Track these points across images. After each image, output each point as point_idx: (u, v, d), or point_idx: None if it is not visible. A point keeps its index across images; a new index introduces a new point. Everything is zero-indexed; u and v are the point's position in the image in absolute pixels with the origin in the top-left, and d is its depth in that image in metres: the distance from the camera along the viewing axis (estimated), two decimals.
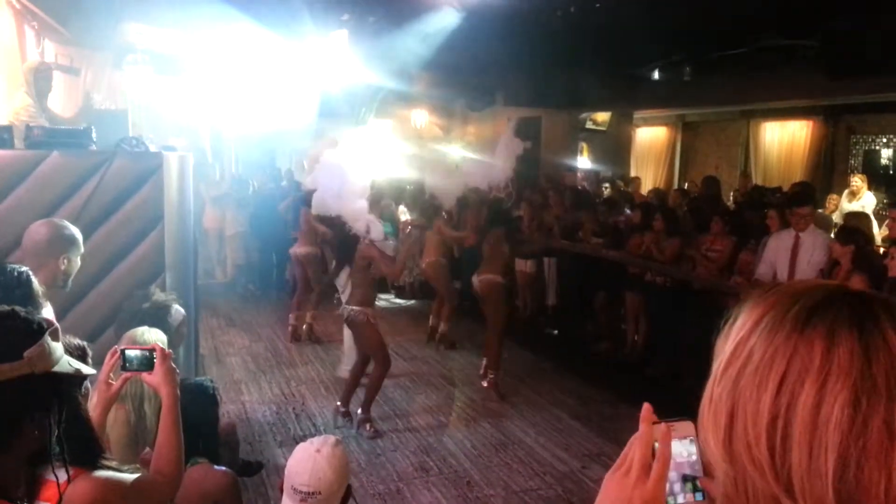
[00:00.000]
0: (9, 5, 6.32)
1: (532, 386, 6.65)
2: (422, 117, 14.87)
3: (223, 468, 3.17)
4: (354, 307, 5.50)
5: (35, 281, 2.68)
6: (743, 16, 6.88)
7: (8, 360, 1.46)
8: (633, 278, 7.49)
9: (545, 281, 9.12)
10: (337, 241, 5.77)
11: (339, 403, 5.74)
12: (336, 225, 5.71)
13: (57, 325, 1.60)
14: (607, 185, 11.24)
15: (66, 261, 3.02)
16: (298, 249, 8.08)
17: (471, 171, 7.15)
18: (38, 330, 1.54)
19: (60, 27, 7.22)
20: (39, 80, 4.78)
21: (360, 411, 5.63)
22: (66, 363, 1.59)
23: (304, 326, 8.03)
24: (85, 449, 1.67)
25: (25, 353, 1.48)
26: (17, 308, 1.59)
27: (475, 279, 6.52)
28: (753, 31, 7.48)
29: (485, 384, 6.46)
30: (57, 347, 1.57)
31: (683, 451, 0.91)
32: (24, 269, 2.68)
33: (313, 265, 8.03)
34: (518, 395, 6.44)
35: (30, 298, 2.55)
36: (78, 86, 7.79)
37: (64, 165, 3.81)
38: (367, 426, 5.52)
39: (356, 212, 5.47)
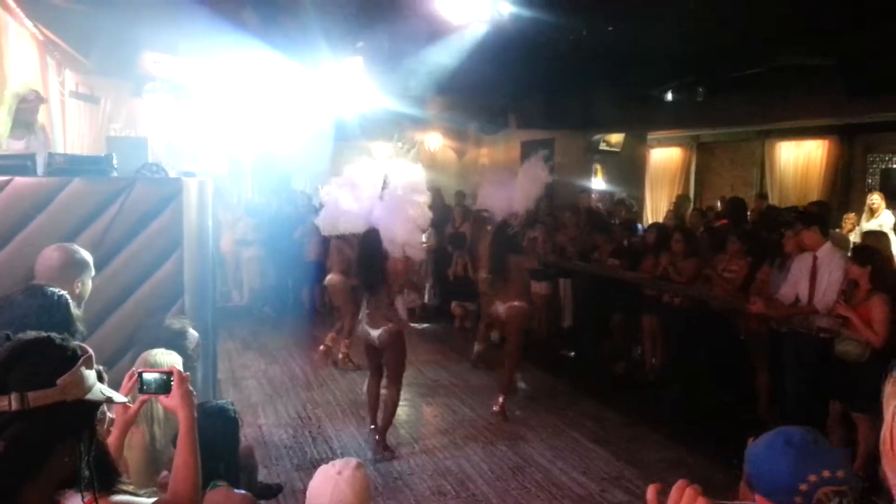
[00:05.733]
0: (32, 37, 6.48)
1: (549, 408, 6.61)
2: (436, 141, 14.97)
3: (242, 491, 3.15)
4: (390, 326, 5.47)
5: (73, 304, 2.67)
6: (757, 35, 6.89)
7: (41, 387, 1.46)
8: (650, 299, 7.47)
9: (560, 302, 9.10)
10: (363, 261, 5.69)
11: (379, 438, 5.67)
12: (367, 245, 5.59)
13: (91, 352, 1.60)
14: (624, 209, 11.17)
15: (80, 284, 3.03)
16: (328, 279, 8.17)
17: (488, 195, 7.06)
18: (72, 357, 1.55)
19: (81, 57, 7.37)
20: (21, 111, 4.62)
21: (377, 437, 5.64)
22: (99, 391, 1.59)
23: (340, 355, 8.02)
24: (102, 473, 1.65)
25: (58, 381, 1.48)
26: (53, 335, 1.60)
27: (501, 307, 6.48)
28: (767, 51, 7.48)
29: (495, 408, 6.42)
30: (90, 375, 1.57)
31: None
32: (61, 291, 2.66)
33: (342, 294, 8.08)
34: (535, 418, 6.40)
35: (70, 322, 2.54)
36: (97, 114, 7.95)
37: (85, 192, 3.86)
38: (387, 451, 5.56)
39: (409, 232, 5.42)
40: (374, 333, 5.49)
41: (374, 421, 5.77)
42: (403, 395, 6.95)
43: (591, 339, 8.44)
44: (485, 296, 8.03)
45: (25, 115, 4.65)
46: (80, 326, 2.70)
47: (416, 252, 5.55)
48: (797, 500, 1.52)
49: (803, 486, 1.51)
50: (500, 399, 6.43)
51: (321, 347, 8.09)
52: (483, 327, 8.06)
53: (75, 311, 2.67)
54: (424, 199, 5.49)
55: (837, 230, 8.35)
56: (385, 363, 5.70)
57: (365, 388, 6.02)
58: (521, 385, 6.60)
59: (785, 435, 1.61)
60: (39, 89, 6.30)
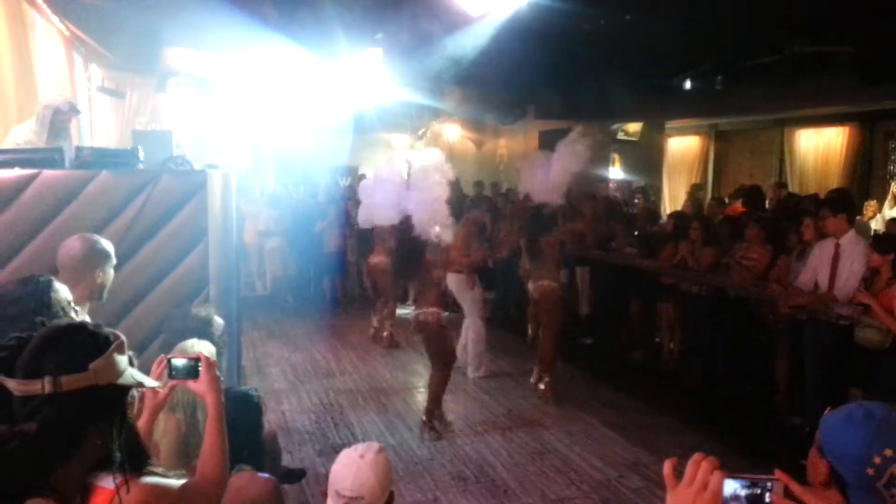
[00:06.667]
0: (58, 33, 6.61)
1: (567, 395, 6.66)
2: (454, 131, 15.01)
3: (266, 475, 3.24)
4: (426, 309, 5.61)
5: (57, 291, 2.67)
6: (774, 23, 6.86)
7: (74, 371, 1.51)
8: (667, 288, 7.48)
9: (578, 290, 9.14)
10: (402, 250, 5.85)
11: (424, 419, 5.81)
12: (403, 233, 5.73)
13: (123, 338, 1.65)
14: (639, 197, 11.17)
15: (101, 274, 3.08)
16: (372, 259, 8.34)
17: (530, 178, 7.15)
18: (104, 343, 1.60)
19: (107, 53, 7.49)
20: (57, 123, 4.59)
21: (424, 417, 5.80)
22: (130, 376, 1.64)
23: (385, 334, 8.36)
24: (131, 455, 1.69)
25: (90, 366, 1.54)
26: (86, 321, 1.67)
27: (531, 285, 6.64)
28: (786, 39, 7.44)
29: (541, 386, 6.58)
30: (122, 360, 1.62)
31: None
32: (45, 279, 2.67)
33: (384, 275, 8.24)
34: (553, 405, 6.45)
35: (46, 310, 2.54)
36: (123, 108, 8.08)
37: (112, 184, 3.92)
38: (430, 431, 5.72)
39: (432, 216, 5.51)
40: (412, 315, 5.71)
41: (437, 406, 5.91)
42: (424, 381, 7.08)
43: (608, 326, 8.47)
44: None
45: (59, 125, 4.66)
46: (71, 314, 2.70)
47: (444, 229, 5.56)
48: (868, 471, 1.54)
49: (877, 459, 1.52)
50: (545, 379, 6.57)
51: (371, 331, 8.45)
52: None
53: (59, 298, 2.67)
54: (441, 176, 5.56)
55: (858, 217, 8.30)
56: (425, 347, 5.90)
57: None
58: (542, 386, 6.65)
59: (866, 408, 1.63)
60: (67, 85, 6.44)
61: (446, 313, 6.08)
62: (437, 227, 5.48)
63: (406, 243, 5.64)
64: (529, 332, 8.33)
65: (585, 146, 6.70)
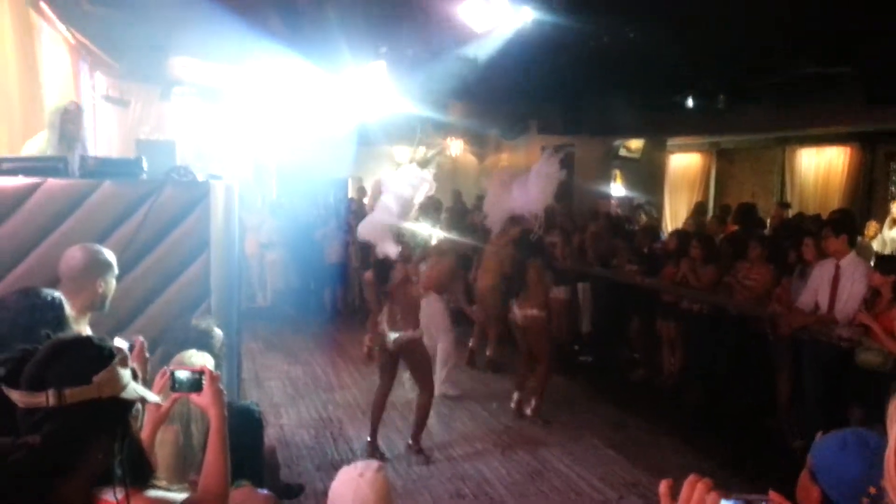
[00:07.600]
0: (65, 41, 6.62)
1: (568, 413, 6.63)
2: (457, 146, 15.05)
3: (265, 491, 3.20)
4: (405, 332, 5.49)
5: (67, 305, 2.69)
6: (778, 43, 6.89)
7: (77, 383, 1.51)
8: (668, 305, 7.47)
9: (579, 307, 9.12)
10: (375, 269, 5.80)
11: (411, 444, 5.68)
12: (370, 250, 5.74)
13: (126, 352, 1.65)
14: (641, 212, 11.19)
15: (103, 284, 3.08)
16: (366, 273, 8.39)
17: (494, 202, 7.08)
18: (108, 356, 1.59)
19: (112, 62, 7.51)
20: (66, 123, 4.62)
21: (410, 442, 5.68)
22: (133, 390, 1.64)
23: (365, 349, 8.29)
24: (136, 469, 1.69)
25: (94, 378, 1.53)
26: (91, 335, 1.66)
27: (517, 312, 6.39)
28: (789, 58, 7.47)
29: (528, 412, 6.50)
30: (125, 374, 1.62)
31: None
32: (56, 293, 2.69)
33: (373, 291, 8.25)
34: (554, 423, 6.42)
35: (61, 321, 2.57)
36: (127, 117, 8.09)
37: (116, 194, 3.92)
38: (419, 455, 5.59)
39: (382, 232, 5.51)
40: (391, 337, 5.52)
41: (372, 433, 5.68)
42: None
43: (609, 344, 8.45)
44: (483, 302, 7.87)
45: (70, 127, 4.65)
46: (75, 327, 2.73)
47: (389, 249, 5.49)
48: (864, 500, 1.54)
49: (873, 490, 1.52)
50: (533, 403, 6.48)
51: (365, 350, 8.28)
52: (495, 333, 8.04)
53: (70, 312, 2.69)
54: (402, 187, 5.54)
55: (860, 238, 8.30)
56: (410, 371, 5.80)
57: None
58: (528, 412, 6.52)
59: (860, 435, 1.63)
60: (72, 93, 6.45)
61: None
62: (386, 248, 5.44)
63: (379, 264, 5.61)
64: (472, 344, 8.20)
65: (558, 171, 6.62)
